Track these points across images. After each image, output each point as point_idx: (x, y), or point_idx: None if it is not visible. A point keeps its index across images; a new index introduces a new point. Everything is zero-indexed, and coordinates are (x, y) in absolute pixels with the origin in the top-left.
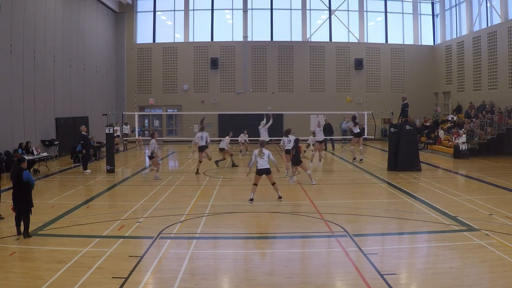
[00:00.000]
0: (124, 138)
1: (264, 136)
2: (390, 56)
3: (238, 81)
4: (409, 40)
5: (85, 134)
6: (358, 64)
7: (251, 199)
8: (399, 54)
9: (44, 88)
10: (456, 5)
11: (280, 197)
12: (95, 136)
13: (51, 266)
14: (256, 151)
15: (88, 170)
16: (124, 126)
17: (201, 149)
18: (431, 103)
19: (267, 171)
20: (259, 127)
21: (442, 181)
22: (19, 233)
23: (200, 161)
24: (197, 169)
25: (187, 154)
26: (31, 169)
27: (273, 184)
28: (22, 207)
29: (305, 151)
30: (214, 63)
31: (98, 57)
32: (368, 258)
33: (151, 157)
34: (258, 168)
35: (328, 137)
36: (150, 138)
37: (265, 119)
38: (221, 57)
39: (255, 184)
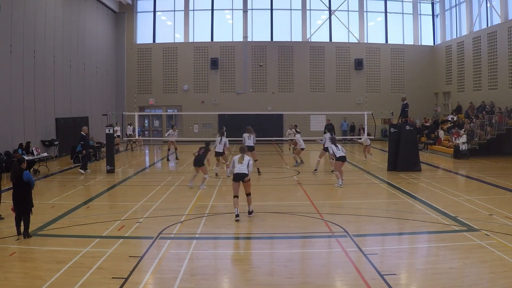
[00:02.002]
0: (128, 139)
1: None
2: (390, 56)
3: (238, 81)
4: (409, 40)
5: (84, 135)
6: (358, 64)
7: (237, 216)
8: (399, 54)
9: (44, 88)
10: (456, 5)
11: (250, 212)
12: (95, 136)
13: (51, 266)
14: (236, 157)
15: (87, 170)
16: (128, 126)
17: (249, 149)
18: (431, 103)
19: (243, 176)
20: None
21: (442, 181)
22: (19, 233)
23: (256, 160)
24: (257, 169)
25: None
26: (31, 169)
27: (248, 194)
28: (22, 207)
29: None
30: (214, 63)
31: (98, 57)
32: (368, 258)
33: (222, 153)
34: (235, 172)
35: None
36: (221, 136)
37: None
38: (221, 57)
39: (236, 196)
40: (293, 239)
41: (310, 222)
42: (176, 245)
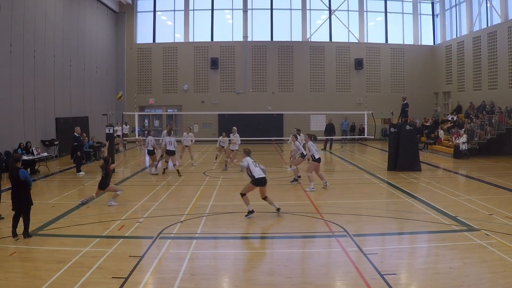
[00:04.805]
0: (123, 138)
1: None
2: (390, 56)
3: (238, 81)
4: (409, 40)
5: (77, 135)
6: (358, 64)
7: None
8: (399, 54)
9: (44, 88)
10: (456, 5)
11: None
12: (95, 136)
13: (51, 266)
14: (250, 160)
15: (82, 172)
16: (124, 126)
17: (171, 153)
18: (431, 103)
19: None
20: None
21: (442, 181)
22: (14, 234)
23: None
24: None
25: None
26: (33, 168)
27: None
28: (21, 206)
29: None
30: (214, 63)
31: (98, 57)
32: (368, 258)
33: (153, 153)
34: (256, 177)
35: (329, 137)
36: (147, 136)
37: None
38: (221, 57)
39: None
40: (293, 239)
41: (310, 222)
42: (176, 245)
